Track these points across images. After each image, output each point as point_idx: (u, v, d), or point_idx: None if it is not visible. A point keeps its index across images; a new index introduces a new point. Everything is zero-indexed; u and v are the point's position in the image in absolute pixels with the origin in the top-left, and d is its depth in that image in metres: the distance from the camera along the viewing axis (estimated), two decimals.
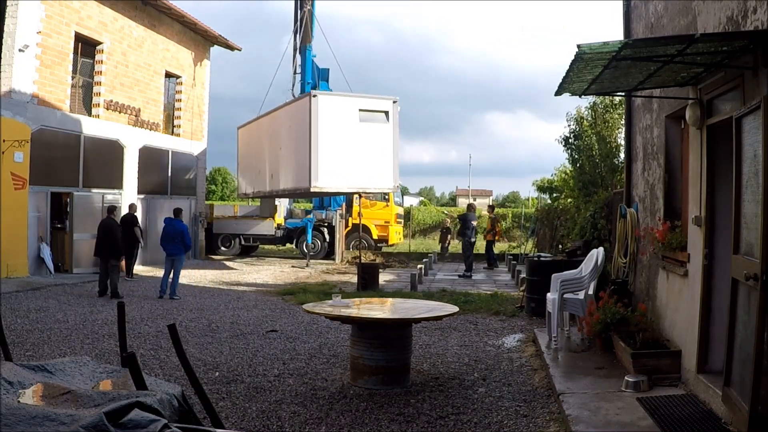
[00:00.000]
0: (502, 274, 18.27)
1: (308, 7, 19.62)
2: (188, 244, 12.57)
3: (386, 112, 15.31)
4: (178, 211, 12.85)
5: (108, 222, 12.73)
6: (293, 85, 20.51)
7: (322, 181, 14.85)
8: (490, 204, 25.21)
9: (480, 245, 21.24)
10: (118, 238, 12.57)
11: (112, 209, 13.20)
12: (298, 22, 19.94)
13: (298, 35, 19.99)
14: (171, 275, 12.20)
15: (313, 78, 20.28)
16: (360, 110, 15.08)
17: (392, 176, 15.42)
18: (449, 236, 25.03)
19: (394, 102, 15.38)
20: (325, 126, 14.67)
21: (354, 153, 14.94)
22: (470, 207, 19.63)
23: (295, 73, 20.46)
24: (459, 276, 17.43)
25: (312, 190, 14.97)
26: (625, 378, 5.58)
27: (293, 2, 20.15)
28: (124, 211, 15.52)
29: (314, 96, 14.92)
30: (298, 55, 20.40)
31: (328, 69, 20.63)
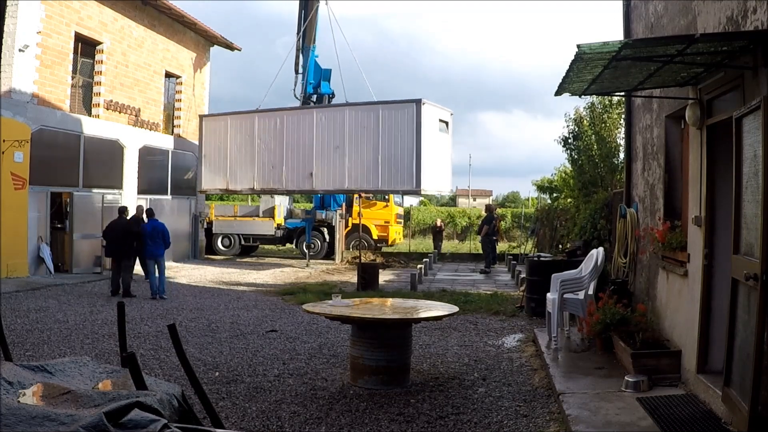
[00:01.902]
0: (502, 274, 18.27)
1: (329, 8, 19.56)
2: (169, 242, 12.64)
3: (447, 123, 16.70)
4: (151, 212, 13.00)
5: (120, 222, 12.73)
6: (295, 85, 20.54)
7: (425, 184, 16.00)
8: (488, 204, 25.48)
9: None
10: (131, 237, 12.57)
11: (123, 210, 13.19)
12: (302, 23, 19.92)
13: (300, 35, 19.97)
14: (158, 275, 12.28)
15: (315, 78, 20.31)
16: (439, 120, 16.44)
17: (450, 181, 17.12)
18: (442, 236, 25.19)
19: (451, 114, 16.89)
20: (426, 133, 15.93)
21: (434, 159, 16.22)
22: (489, 208, 20.66)
23: (297, 73, 20.46)
24: (480, 272, 18.64)
25: (422, 192, 16.34)
26: (625, 378, 5.58)
27: (291, 2, 20.15)
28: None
29: (423, 104, 15.90)
30: (300, 56, 20.39)
31: (330, 70, 20.63)
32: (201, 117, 19.42)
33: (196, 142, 21.70)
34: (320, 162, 16.97)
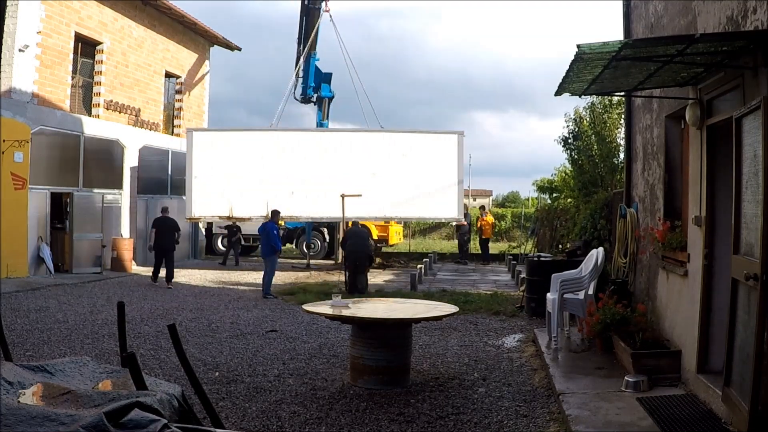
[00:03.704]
0: (502, 274, 18.26)
1: (325, 11, 19.58)
2: (272, 244, 12.95)
3: None
4: (274, 213, 13.66)
5: (164, 219, 14.30)
6: (294, 88, 20.57)
7: (460, 214, 17.45)
8: (482, 206, 26.66)
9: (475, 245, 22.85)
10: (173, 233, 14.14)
11: (165, 209, 14.70)
12: (302, 30, 20.03)
13: (300, 37, 20.05)
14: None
15: (316, 81, 20.39)
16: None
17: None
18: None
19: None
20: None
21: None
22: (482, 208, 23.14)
23: (297, 76, 20.50)
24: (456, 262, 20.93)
25: (456, 223, 18.08)
26: (625, 378, 5.58)
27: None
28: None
29: (463, 135, 17.26)
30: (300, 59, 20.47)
31: (331, 73, 20.69)
32: (190, 131, 17.55)
33: None
34: (354, 188, 16.61)
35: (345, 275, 13.26)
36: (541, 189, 21.36)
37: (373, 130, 18.29)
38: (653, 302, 7.00)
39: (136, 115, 18.31)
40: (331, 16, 19.59)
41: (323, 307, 6.59)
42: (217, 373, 6.57)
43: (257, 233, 14.07)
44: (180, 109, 21.14)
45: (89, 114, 16.78)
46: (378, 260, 19.39)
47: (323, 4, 19.52)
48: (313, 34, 19.67)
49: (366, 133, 17.95)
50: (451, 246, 24.74)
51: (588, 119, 15.16)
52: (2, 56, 13.46)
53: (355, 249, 12.94)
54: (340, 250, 13.36)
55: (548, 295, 8.09)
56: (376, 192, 16.94)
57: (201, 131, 17.74)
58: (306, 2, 19.68)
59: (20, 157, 13.94)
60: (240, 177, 16.94)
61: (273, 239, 12.85)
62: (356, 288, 12.70)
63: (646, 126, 7.77)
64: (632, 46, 4.63)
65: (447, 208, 17.25)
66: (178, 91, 21.20)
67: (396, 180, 17.04)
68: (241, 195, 17.00)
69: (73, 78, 16.07)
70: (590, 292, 7.70)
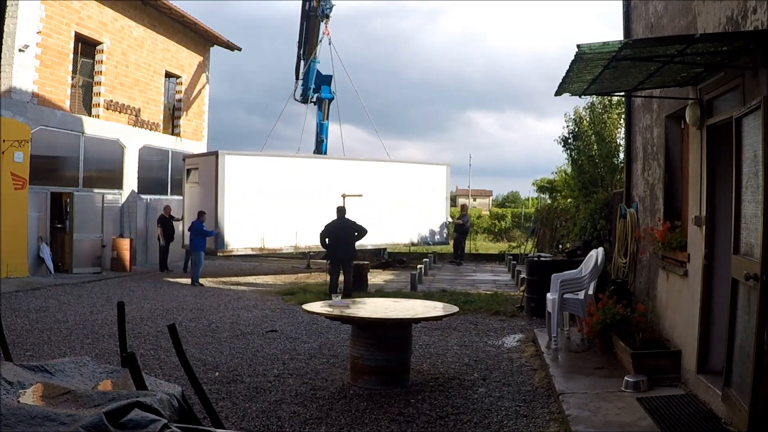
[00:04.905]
0: (502, 274, 18.26)
1: (325, 34, 19.89)
2: (207, 237, 14.63)
3: None
4: (201, 213, 14.85)
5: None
6: (295, 90, 20.66)
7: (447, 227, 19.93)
8: (463, 204, 27.55)
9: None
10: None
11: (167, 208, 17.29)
12: (302, 35, 20.18)
13: (303, 46, 20.29)
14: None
15: (316, 83, 20.53)
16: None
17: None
18: None
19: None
20: None
21: None
22: (464, 208, 23.45)
23: (297, 78, 20.62)
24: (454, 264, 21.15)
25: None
26: (625, 378, 5.58)
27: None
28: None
29: (449, 165, 19.87)
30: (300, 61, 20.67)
31: (331, 75, 20.77)
32: (220, 155, 15.41)
33: (195, 142, 21.68)
34: (381, 217, 16.85)
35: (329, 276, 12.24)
36: (541, 189, 21.41)
37: (399, 161, 20.05)
38: (653, 302, 7.00)
39: (136, 115, 18.31)
40: (330, 40, 20.02)
41: (323, 307, 6.58)
42: (217, 373, 6.57)
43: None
44: (180, 109, 21.15)
45: (89, 114, 16.78)
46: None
47: (323, 25, 19.70)
48: (313, 41, 19.93)
49: (390, 163, 19.28)
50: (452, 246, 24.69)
51: (588, 119, 15.17)
52: (2, 56, 13.46)
53: (335, 250, 12.03)
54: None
55: (548, 295, 8.09)
56: (400, 220, 18.22)
57: (234, 155, 15.68)
58: (307, 7, 19.77)
59: (20, 157, 13.94)
60: (271, 206, 15.87)
61: (206, 234, 14.61)
62: (345, 292, 11.86)
63: (646, 126, 7.78)
64: (632, 46, 4.63)
65: (438, 235, 19.92)
66: (179, 91, 21.22)
67: (407, 208, 18.50)
68: (276, 224, 15.93)
69: (73, 78, 16.07)
70: (590, 292, 7.70)
